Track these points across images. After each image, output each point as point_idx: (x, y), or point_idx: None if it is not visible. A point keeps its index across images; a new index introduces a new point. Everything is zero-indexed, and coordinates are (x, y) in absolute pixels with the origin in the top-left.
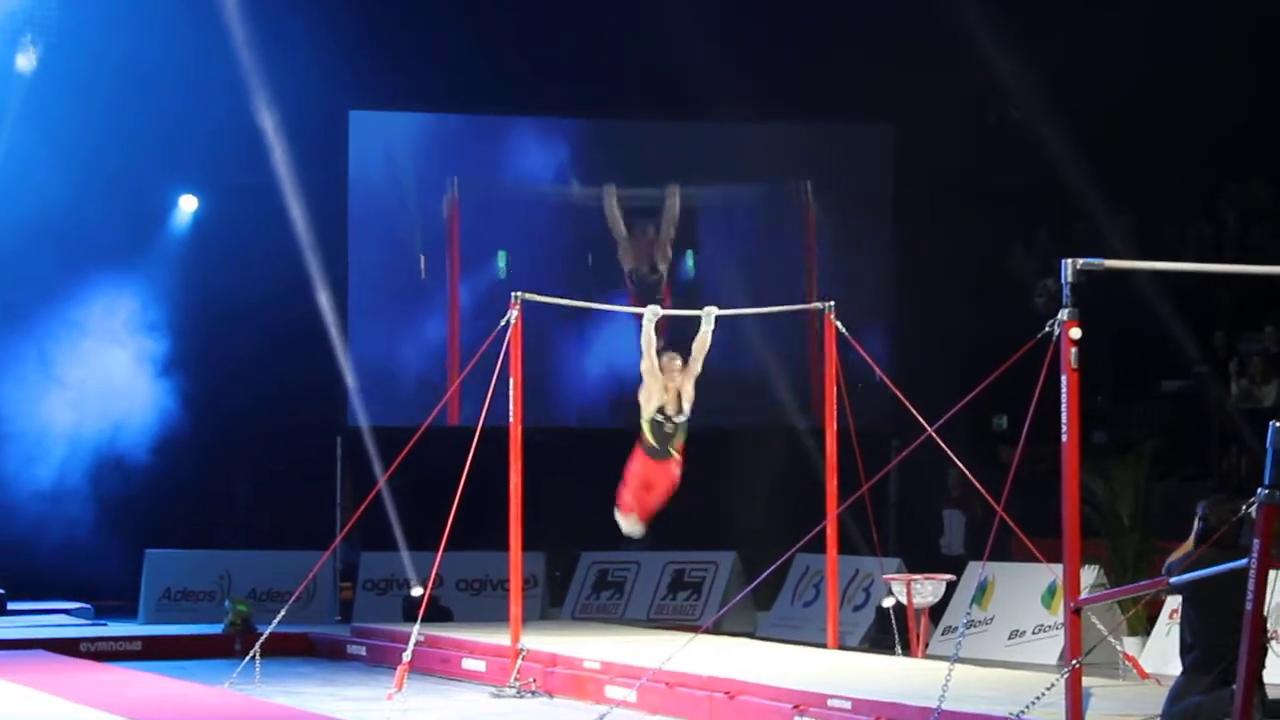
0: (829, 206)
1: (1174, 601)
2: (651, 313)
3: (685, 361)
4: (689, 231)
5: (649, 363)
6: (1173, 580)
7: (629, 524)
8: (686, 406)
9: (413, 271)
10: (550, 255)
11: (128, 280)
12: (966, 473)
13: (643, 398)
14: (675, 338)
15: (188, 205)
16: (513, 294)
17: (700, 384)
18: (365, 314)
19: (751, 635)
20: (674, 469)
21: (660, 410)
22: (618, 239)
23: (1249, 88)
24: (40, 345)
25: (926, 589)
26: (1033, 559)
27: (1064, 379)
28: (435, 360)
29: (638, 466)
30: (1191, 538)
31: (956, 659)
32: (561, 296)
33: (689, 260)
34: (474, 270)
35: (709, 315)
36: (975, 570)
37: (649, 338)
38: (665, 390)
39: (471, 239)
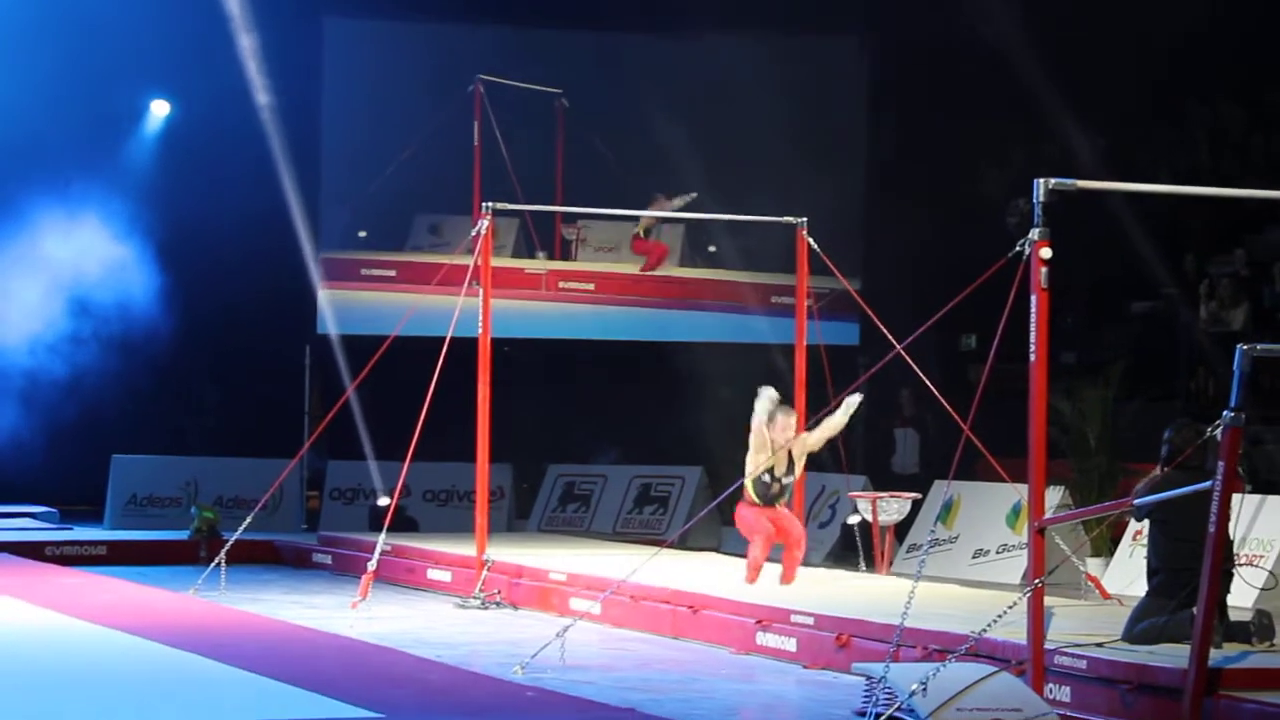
0: (800, 122)
1: (1139, 524)
2: (769, 398)
3: (803, 427)
4: None
5: (759, 440)
6: (1137, 502)
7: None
8: (798, 468)
9: (387, 182)
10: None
11: (98, 185)
12: (934, 390)
13: (750, 463)
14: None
15: (159, 110)
16: (484, 205)
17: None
18: (337, 218)
19: (717, 550)
20: (783, 510)
21: (768, 471)
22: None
23: (1221, 10)
24: (3, 247)
25: (892, 507)
26: (998, 479)
27: (1033, 299)
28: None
29: (746, 514)
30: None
31: (920, 577)
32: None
33: None
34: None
35: (849, 406)
36: (940, 489)
37: (761, 428)
38: (773, 450)
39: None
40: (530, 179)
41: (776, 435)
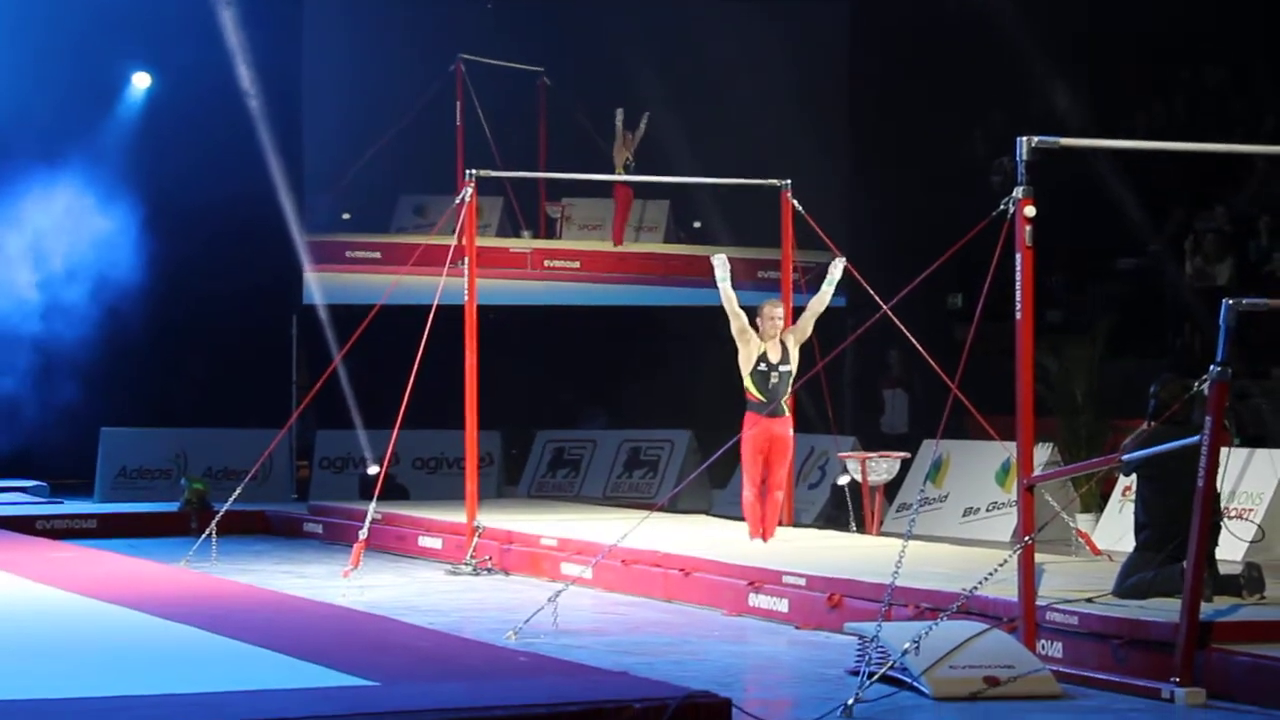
0: (783, 87)
1: (1127, 479)
2: (721, 263)
3: (793, 317)
4: None
5: (737, 323)
6: (1125, 458)
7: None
8: (793, 357)
9: (370, 163)
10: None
11: (82, 156)
12: (920, 349)
13: (742, 360)
14: None
15: (140, 82)
16: (468, 171)
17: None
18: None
19: (707, 513)
20: (787, 430)
21: (762, 359)
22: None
23: None
24: None
25: (881, 467)
26: (987, 437)
27: (1018, 257)
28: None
29: (749, 430)
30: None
31: (910, 536)
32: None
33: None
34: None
35: (837, 266)
36: (929, 448)
37: (728, 295)
38: (763, 341)
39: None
40: (514, 158)
41: (765, 325)
